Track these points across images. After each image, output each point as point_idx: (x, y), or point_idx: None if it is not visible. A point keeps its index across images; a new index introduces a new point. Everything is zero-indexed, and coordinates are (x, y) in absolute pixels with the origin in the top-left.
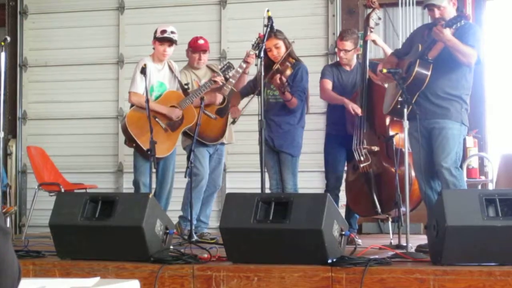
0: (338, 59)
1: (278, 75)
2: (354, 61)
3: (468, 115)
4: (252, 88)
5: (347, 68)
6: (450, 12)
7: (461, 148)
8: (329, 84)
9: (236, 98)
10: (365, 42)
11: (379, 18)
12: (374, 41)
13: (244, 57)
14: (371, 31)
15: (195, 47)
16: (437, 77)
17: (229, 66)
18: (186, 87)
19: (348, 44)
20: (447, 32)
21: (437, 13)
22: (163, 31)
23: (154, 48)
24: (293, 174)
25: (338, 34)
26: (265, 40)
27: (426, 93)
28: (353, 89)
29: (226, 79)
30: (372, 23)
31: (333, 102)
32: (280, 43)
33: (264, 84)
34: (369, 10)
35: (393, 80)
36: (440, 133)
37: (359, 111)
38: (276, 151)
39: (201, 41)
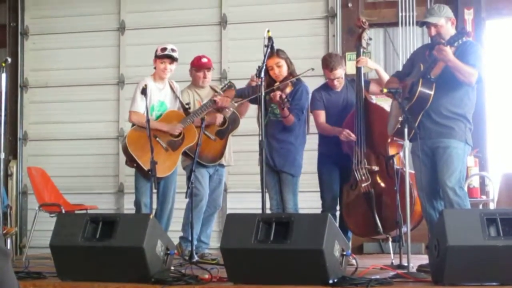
0: (326, 81)
1: (278, 92)
2: (342, 84)
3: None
4: (247, 95)
5: (337, 89)
6: (448, 30)
7: (464, 168)
8: (321, 115)
9: (230, 92)
10: (358, 67)
11: (370, 38)
12: (363, 63)
13: (249, 81)
14: (363, 52)
15: (199, 65)
16: (440, 96)
17: (230, 86)
18: (187, 106)
19: (339, 72)
20: (449, 51)
21: (433, 31)
22: (164, 49)
23: (155, 68)
24: (293, 194)
25: (323, 63)
26: (265, 60)
27: (429, 113)
28: (344, 108)
29: None
30: (363, 43)
31: (326, 134)
32: (282, 62)
33: (265, 103)
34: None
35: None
36: (445, 152)
37: (352, 136)
38: (277, 171)
39: (204, 59)
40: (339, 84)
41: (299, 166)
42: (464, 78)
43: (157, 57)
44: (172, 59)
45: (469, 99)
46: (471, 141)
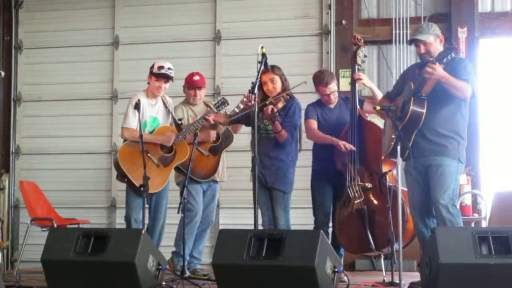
0: (320, 98)
1: (270, 106)
2: (336, 98)
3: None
4: (242, 118)
5: (330, 106)
6: (436, 48)
7: (457, 186)
8: (314, 124)
9: (225, 117)
10: (353, 82)
11: (365, 56)
12: (361, 80)
13: (242, 98)
14: (358, 69)
15: (191, 83)
16: (433, 113)
17: (223, 102)
18: (179, 122)
19: (333, 86)
20: (440, 69)
21: (422, 49)
22: (161, 67)
23: (148, 83)
24: (285, 210)
25: (316, 80)
26: (258, 76)
27: (423, 131)
28: (337, 125)
29: None
30: (358, 60)
31: (320, 142)
32: (277, 78)
33: (258, 119)
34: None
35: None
36: (438, 170)
37: (350, 146)
38: (268, 187)
39: (196, 77)
40: (334, 99)
41: (290, 183)
42: (459, 93)
43: (153, 74)
44: (168, 78)
45: (462, 114)
46: (464, 159)
